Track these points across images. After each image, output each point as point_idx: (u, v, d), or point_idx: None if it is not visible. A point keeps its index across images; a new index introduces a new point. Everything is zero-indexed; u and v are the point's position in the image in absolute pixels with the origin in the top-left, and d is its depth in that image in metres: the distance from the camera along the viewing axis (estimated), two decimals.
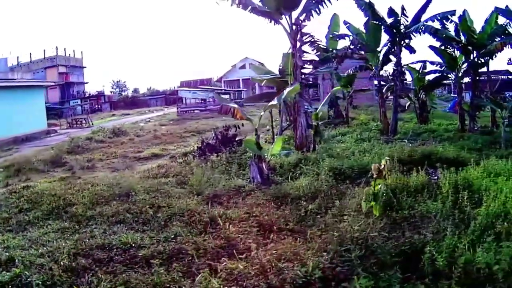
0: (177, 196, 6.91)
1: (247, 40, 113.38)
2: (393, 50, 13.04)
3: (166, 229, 5.21)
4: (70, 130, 23.96)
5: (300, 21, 9.73)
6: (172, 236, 4.89)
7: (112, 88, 56.17)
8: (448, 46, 14.37)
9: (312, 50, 14.35)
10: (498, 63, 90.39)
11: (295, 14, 9.94)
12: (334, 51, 14.40)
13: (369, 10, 12.48)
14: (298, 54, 9.56)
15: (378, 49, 13.54)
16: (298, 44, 9.93)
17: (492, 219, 4.24)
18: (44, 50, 43.04)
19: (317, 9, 9.79)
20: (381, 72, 15.09)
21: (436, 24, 12.92)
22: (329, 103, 16.61)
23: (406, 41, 13.07)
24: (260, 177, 7.67)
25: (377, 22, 12.79)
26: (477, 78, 14.20)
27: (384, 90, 14.94)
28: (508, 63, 17.45)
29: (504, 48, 14.25)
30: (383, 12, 12.97)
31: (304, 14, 9.79)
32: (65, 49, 44.21)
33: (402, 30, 12.91)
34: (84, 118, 26.86)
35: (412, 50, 13.34)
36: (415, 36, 12.78)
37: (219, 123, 21.04)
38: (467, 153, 9.71)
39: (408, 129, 14.14)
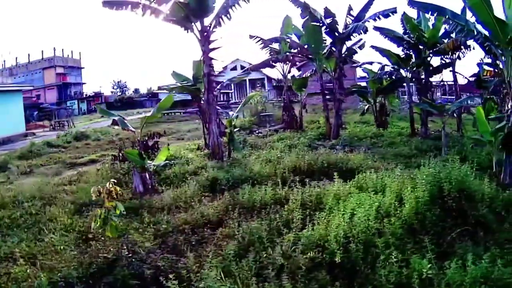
0: (59, 204, 7.53)
1: (240, 41, 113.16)
2: (333, 51, 13.00)
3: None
4: (50, 133, 25.24)
5: (209, 28, 9.99)
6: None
7: (113, 88, 58.18)
8: (405, 46, 14.17)
9: (266, 53, 14.66)
10: None
11: (207, 21, 10.25)
12: (287, 53, 14.49)
13: (306, 11, 12.51)
14: (206, 61, 9.83)
15: (323, 51, 13.52)
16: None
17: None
18: (42, 51, 45.35)
19: (227, 15, 10.02)
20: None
21: (386, 23, 12.86)
22: (283, 107, 16.72)
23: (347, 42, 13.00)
24: (143, 186, 8.13)
25: (316, 23, 12.79)
26: (429, 79, 13.89)
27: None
28: (478, 64, 16.79)
29: (460, 47, 13.96)
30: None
31: (214, 21, 10.05)
32: (62, 50, 46.32)
33: (341, 31, 12.85)
34: (66, 120, 28.21)
35: (354, 51, 13.24)
36: (354, 37, 12.70)
37: (185, 127, 21.65)
38: (387, 160, 9.71)
39: (353, 133, 14.05)
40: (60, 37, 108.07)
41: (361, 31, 11.81)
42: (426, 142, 12.43)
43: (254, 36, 14.52)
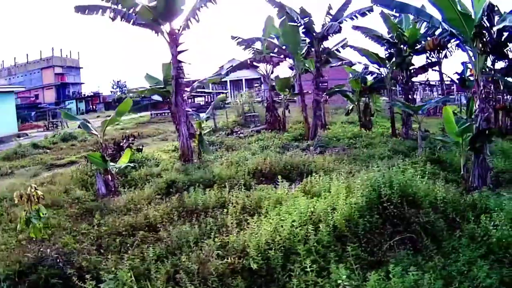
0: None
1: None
2: (310, 51, 13.01)
3: None
4: (42, 134, 25.62)
5: (177, 31, 10.10)
6: None
7: (112, 88, 58.71)
8: (385, 45, 14.10)
9: (249, 54, 14.74)
10: None
11: (177, 24, 10.35)
12: (265, 55, 14.53)
13: (282, 11, 12.53)
14: (174, 64, 9.94)
15: (301, 51, 13.53)
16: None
17: None
18: (41, 51, 45.95)
19: (196, 17, 10.11)
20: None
21: (370, 22, 12.80)
22: (266, 107, 16.77)
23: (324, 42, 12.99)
24: (105, 188, 8.33)
25: (293, 24, 12.80)
26: (411, 78, 13.80)
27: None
28: (462, 63, 16.62)
29: (441, 46, 13.83)
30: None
31: (182, 24, 10.15)
32: (61, 50, 46.89)
33: (318, 31, 12.84)
34: (59, 121, 28.61)
35: (330, 51, 13.22)
36: (331, 36, 12.69)
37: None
38: (357, 162, 9.70)
39: (334, 134, 14.04)
40: (59, 37, 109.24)
41: (335, 30, 11.77)
42: (405, 143, 12.36)
43: (236, 37, 14.59)
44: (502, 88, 16.57)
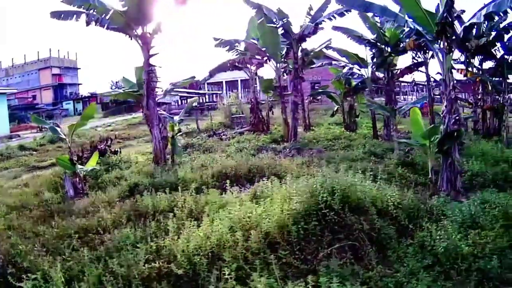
0: None
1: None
2: (289, 53, 13.12)
3: None
4: (35, 135, 26.07)
5: (149, 35, 10.30)
6: None
7: (111, 88, 59.15)
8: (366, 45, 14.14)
9: (232, 55, 14.94)
10: None
11: (150, 27, 10.54)
12: (244, 56, 14.67)
13: (260, 12, 12.66)
14: (145, 68, 10.14)
15: (281, 52, 13.65)
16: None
17: None
18: (38, 52, 46.62)
19: (167, 21, 10.31)
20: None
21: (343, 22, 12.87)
22: (250, 108, 16.92)
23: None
24: (74, 191, 8.58)
25: (271, 25, 12.93)
26: (393, 79, 13.84)
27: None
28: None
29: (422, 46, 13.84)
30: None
31: (154, 28, 10.35)
32: (58, 50, 47.54)
33: (297, 32, 12.96)
34: (52, 122, 29.04)
35: (308, 52, 13.32)
36: (309, 37, 12.80)
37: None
38: (329, 165, 9.77)
39: (315, 135, 14.14)
40: (56, 38, 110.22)
41: (310, 31, 11.87)
42: (384, 145, 12.42)
43: (218, 39, 14.75)
44: (490, 88, 16.54)
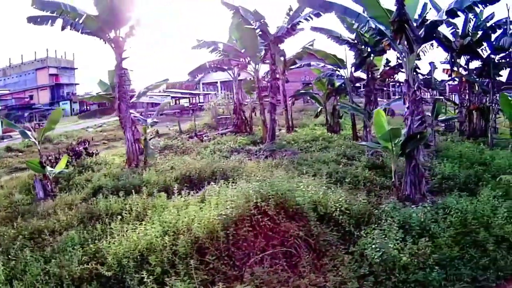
0: None
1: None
2: (267, 54, 13.30)
3: None
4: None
5: (121, 39, 10.57)
6: None
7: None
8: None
9: (216, 56, 15.17)
10: None
11: (123, 31, 10.81)
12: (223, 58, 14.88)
13: (237, 14, 12.83)
14: (117, 71, 10.42)
15: (260, 54, 13.84)
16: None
17: None
18: (35, 52, 47.33)
19: (139, 25, 10.58)
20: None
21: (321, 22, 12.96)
22: (233, 110, 17.12)
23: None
24: (43, 193, 8.89)
25: (250, 26, 13.10)
26: (374, 80, 13.90)
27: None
28: (429, 63, 16.63)
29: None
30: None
31: (127, 32, 10.62)
32: (55, 51, 48.19)
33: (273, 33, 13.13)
34: (45, 122, 29.58)
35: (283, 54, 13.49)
36: (286, 38, 12.96)
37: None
38: (300, 167, 9.91)
39: (295, 137, 14.29)
40: (54, 38, 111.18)
41: (283, 32, 12.03)
42: (361, 147, 12.54)
43: (201, 40, 14.98)
44: (477, 89, 16.53)
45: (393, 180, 8.09)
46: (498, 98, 16.81)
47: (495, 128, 18.39)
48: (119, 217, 5.96)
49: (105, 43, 10.92)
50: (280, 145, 12.72)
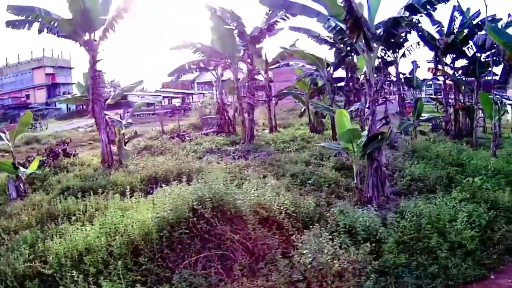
0: None
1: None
2: (244, 55, 13.54)
3: None
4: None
5: (94, 42, 10.89)
6: None
7: (106, 88, 60.37)
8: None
9: (199, 57, 15.46)
10: None
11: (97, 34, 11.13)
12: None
13: (214, 14, 13.08)
14: (90, 74, 10.75)
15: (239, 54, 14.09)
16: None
17: None
18: (32, 52, 48.01)
19: (113, 28, 10.88)
20: None
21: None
22: (217, 111, 17.39)
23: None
24: (16, 193, 9.27)
25: (228, 27, 13.35)
26: (352, 79, 14.12)
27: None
28: (412, 62, 16.72)
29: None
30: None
31: (100, 34, 10.93)
32: (52, 50, 48.83)
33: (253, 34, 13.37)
34: (38, 122, 30.19)
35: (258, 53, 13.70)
36: (264, 38, 13.19)
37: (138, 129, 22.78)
38: (269, 168, 10.13)
39: (276, 137, 14.51)
40: (51, 38, 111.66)
41: (255, 33, 12.26)
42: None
43: (184, 41, 15.27)
44: (464, 88, 16.59)
45: (355, 181, 8.09)
46: None
47: (484, 128, 18.51)
48: (73, 217, 6.29)
49: (81, 45, 11.25)
50: (258, 145, 12.97)
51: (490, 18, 15.99)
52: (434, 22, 16.47)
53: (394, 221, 5.70)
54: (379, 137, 7.83)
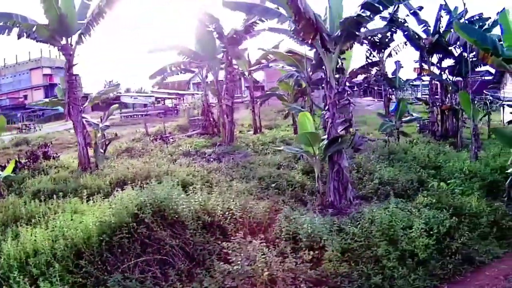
0: None
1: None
2: (223, 56, 13.85)
3: None
4: (15, 136, 27.66)
5: (70, 46, 11.30)
6: None
7: (104, 88, 61.33)
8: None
9: (183, 59, 15.79)
10: None
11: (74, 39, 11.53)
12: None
13: (195, 17, 13.41)
14: (66, 78, 11.16)
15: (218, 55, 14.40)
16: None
17: None
18: (29, 52, 48.88)
19: (88, 33, 11.29)
20: None
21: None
22: (201, 112, 17.73)
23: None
24: None
25: (207, 29, 13.66)
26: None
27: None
28: (395, 62, 16.81)
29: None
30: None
31: (76, 39, 11.34)
32: (50, 51, 49.61)
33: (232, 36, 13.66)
34: (32, 123, 30.86)
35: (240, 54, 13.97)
36: (244, 40, 13.47)
37: (125, 131, 23.15)
38: (239, 171, 10.37)
39: (257, 139, 14.80)
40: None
41: (231, 35, 12.53)
42: None
43: (167, 45, 15.64)
44: (450, 89, 16.68)
45: (316, 185, 8.18)
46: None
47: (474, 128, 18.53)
48: (33, 220, 6.64)
49: (59, 50, 11.66)
50: (236, 147, 13.27)
51: (477, 17, 16.19)
52: (420, 21, 16.61)
53: (346, 227, 5.78)
54: (339, 140, 7.93)
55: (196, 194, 6.16)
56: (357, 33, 8.11)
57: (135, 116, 29.42)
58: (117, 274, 4.78)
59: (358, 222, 6.02)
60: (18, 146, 20.28)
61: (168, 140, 15.49)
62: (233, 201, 6.22)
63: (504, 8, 8.72)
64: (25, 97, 48.00)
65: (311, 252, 5.01)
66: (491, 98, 17.82)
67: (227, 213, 5.87)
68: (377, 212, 5.98)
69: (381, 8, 7.98)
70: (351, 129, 11.39)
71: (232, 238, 5.06)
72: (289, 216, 6.00)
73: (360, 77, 17.83)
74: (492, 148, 12.45)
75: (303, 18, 6.81)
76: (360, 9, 7.71)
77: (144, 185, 6.37)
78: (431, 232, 5.43)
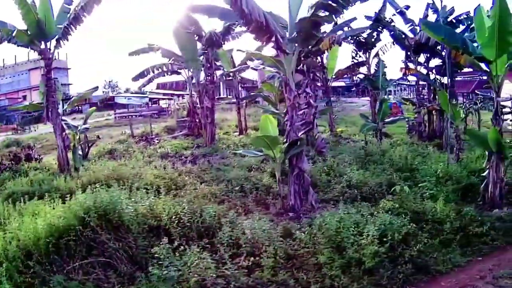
0: None
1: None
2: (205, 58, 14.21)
3: None
4: (11, 136, 28.44)
5: (48, 51, 11.79)
6: None
7: (104, 88, 62.51)
8: None
9: (169, 61, 16.25)
10: None
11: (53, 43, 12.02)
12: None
13: (176, 19, 13.78)
14: (43, 81, 11.65)
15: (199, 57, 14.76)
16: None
17: None
18: (28, 52, 49.87)
19: (66, 38, 11.77)
20: None
21: None
22: (187, 113, 18.13)
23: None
24: None
25: (187, 31, 14.03)
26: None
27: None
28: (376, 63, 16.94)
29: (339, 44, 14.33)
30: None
31: (54, 43, 11.83)
32: None
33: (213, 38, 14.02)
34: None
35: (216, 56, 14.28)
36: (224, 43, 13.83)
37: (115, 132, 23.65)
38: (213, 173, 10.70)
39: (240, 141, 15.13)
40: None
41: (211, 37, 12.86)
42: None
43: (152, 44, 16.09)
44: (437, 89, 16.75)
45: (277, 189, 8.35)
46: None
47: (464, 128, 18.55)
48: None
49: (39, 54, 12.16)
50: (216, 149, 13.61)
51: (464, 15, 16.26)
52: (406, 20, 16.74)
53: (296, 233, 5.83)
54: (298, 143, 8.01)
55: (142, 198, 6.42)
56: (316, 33, 8.06)
57: (129, 116, 29.97)
58: (60, 275, 5.11)
59: (311, 227, 6.09)
60: (8, 148, 20.82)
61: (153, 141, 15.92)
62: (183, 204, 6.47)
63: (479, 5, 8.50)
64: (24, 97, 49.02)
65: (252, 259, 5.15)
66: (481, 97, 17.81)
67: (173, 217, 6.08)
68: (328, 218, 5.98)
69: (337, 7, 7.73)
70: (312, 132, 11.51)
71: (165, 243, 5.19)
72: (234, 221, 6.15)
73: (361, 77, 18.06)
74: (477, 150, 12.20)
75: (251, 20, 6.83)
76: (316, 9, 7.61)
77: (99, 189, 6.66)
78: (385, 239, 5.31)
